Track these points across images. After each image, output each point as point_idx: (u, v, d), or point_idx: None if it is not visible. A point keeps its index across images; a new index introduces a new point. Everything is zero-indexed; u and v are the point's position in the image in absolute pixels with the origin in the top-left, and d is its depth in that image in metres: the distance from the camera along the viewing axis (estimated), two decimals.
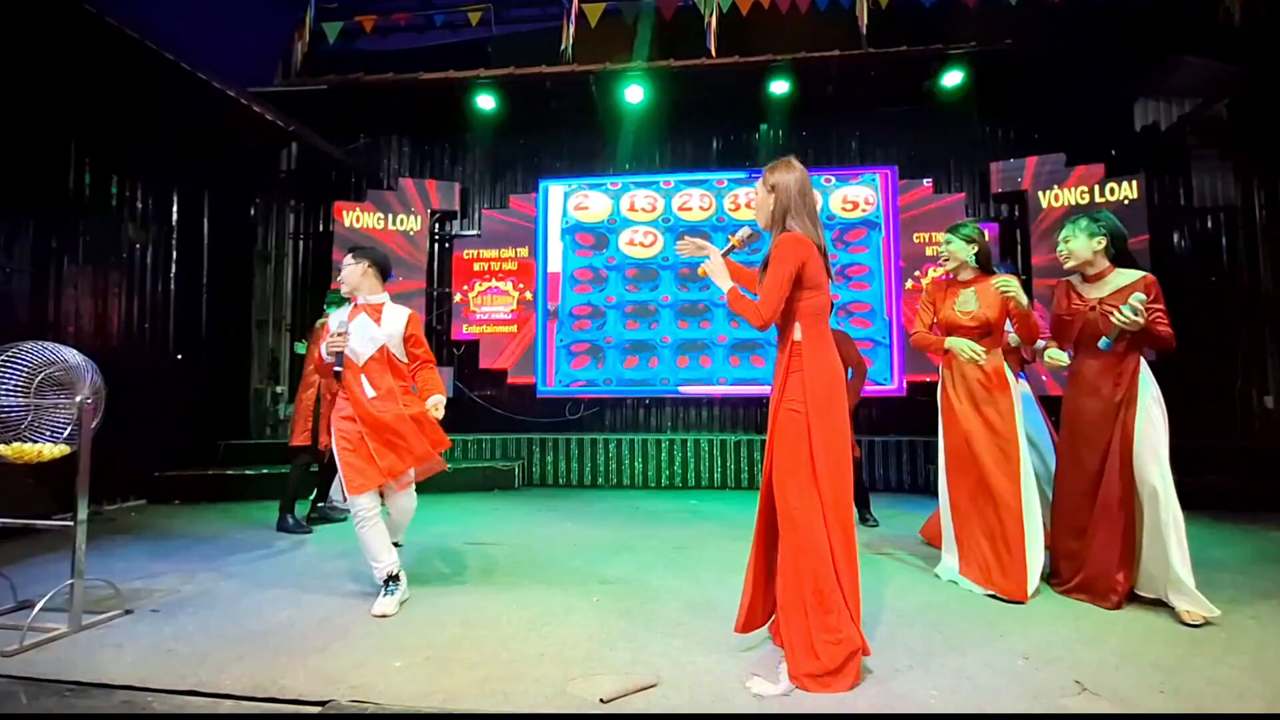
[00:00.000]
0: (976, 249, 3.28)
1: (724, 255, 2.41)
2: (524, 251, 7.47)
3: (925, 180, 7.07)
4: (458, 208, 7.58)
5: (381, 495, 3.07)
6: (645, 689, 2.11)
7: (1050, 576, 3.14)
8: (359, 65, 7.38)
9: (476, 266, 7.49)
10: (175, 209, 6.11)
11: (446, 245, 7.71)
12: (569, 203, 7.51)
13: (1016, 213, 7.02)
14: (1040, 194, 6.67)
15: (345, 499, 3.04)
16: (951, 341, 3.24)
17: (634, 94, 6.89)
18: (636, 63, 6.70)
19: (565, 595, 3.11)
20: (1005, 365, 3.19)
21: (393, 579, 2.94)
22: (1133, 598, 2.89)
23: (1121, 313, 2.77)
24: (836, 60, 6.49)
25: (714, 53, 6.19)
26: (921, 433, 6.22)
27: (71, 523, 2.72)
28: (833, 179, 7.22)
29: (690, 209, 7.38)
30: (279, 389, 7.19)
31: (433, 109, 7.38)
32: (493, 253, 7.51)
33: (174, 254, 6.07)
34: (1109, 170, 6.43)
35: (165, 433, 5.81)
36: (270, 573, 3.54)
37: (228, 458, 6.31)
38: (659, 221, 7.41)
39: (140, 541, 4.28)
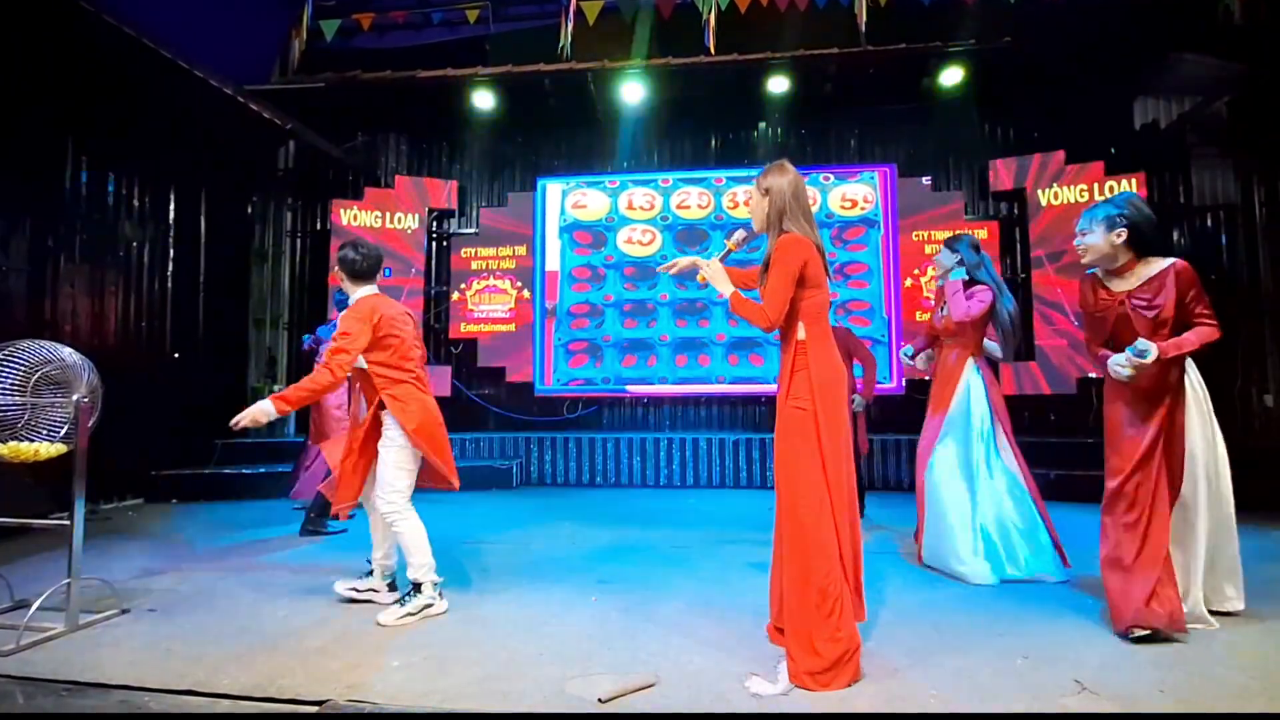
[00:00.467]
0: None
1: (721, 260, 2.41)
2: (522, 250, 7.46)
3: (924, 178, 7.07)
4: (455, 206, 7.56)
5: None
6: (644, 688, 2.10)
7: None
8: (356, 63, 7.36)
9: (474, 265, 7.48)
10: (172, 207, 6.09)
11: (444, 243, 7.70)
12: (567, 201, 7.49)
13: (1015, 211, 7.01)
14: (1039, 192, 6.66)
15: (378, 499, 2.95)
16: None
17: (632, 92, 6.87)
18: (635, 60, 6.67)
19: (563, 594, 3.10)
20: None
21: (416, 587, 2.81)
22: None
23: (1120, 368, 2.58)
24: (835, 58, 6.48)
25: (712, 50, 6.16)
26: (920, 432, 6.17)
27: (68, 522, 2.72)
28: (831, 177, 7.21)
29: (688, 207, 7.37)
30: (276, 387, 7.16)
31: (430, 107, 7.37)
32: (490, 251, 7.50)
33: (171, 252, 6.06)
34: (1108, 168, 6.43)
35: (162, 431, 5.79)
36: (268, 572, 3.54)
37: (225, 457, 6.28)
38: (657, 220, 7.39)
39: (137, 541, 4.28)
